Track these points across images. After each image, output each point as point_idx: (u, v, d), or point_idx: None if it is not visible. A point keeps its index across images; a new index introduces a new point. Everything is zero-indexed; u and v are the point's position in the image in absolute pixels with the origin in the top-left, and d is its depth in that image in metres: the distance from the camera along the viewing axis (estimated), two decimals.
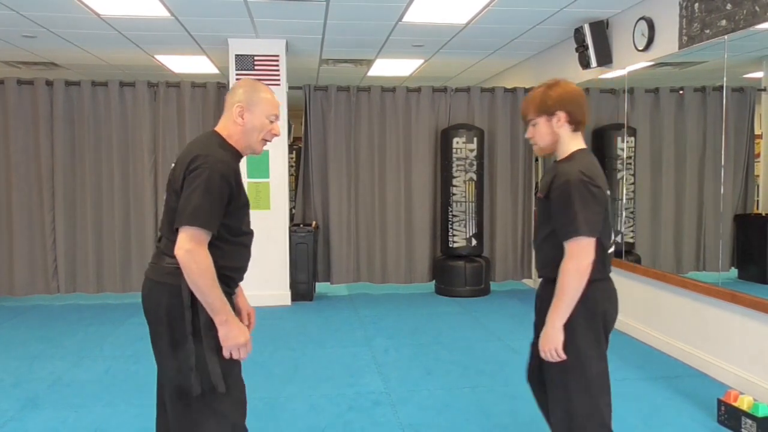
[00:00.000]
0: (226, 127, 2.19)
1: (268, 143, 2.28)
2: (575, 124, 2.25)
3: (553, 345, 2.17)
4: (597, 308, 2.22)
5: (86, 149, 6.39)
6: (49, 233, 6.33)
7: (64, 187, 6.36)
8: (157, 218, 6.49)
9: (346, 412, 3.59)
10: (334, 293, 7.02)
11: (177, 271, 2.00)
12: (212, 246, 2.03)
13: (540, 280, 2.39)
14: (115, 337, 5.23)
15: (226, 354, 2.06)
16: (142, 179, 6.44)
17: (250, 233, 2.26)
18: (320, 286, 7.02)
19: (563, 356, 2.18)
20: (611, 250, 2.29)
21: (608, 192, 2.24)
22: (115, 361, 4.55)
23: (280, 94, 6.25)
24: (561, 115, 2.23)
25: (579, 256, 2.11)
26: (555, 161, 2.32)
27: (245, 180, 6.26)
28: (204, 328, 2.04)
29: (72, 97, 6.38)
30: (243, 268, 2.24)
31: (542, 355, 2.23)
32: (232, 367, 2.15)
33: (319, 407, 3.67)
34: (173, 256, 1.99)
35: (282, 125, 6.28)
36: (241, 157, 2.23)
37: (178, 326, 2.04)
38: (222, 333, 2.03)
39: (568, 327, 2.18)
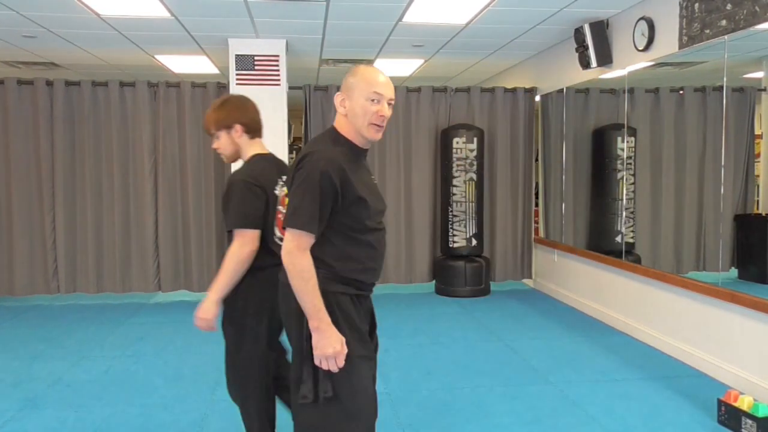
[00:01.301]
0: (338, 119, 2.12)
1: (375, 130, 2.08)
2: (251, 132, 2.65)
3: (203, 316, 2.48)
4: (261, 295, 2.51)
5: (86, 149, 6.39)
6: (49, 233, 6.33)
7: (64, 187, 6.36)
8: (157, 218, 6.49)
9: None
10: None
11: None
12: (331, 246, 2.01)
13: None
14: (115, 337, 5.23)
15: (316, 362, 1.98)
16: (142, 179, 6.44)
17: (376, 230, 2.12)
18: None
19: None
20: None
21: (276, 191, 2.54)
22: (115, 361, 4.55)
23: (280, 94, 6.26)
24: (238, 128, 2.62)
25: (241, 245, 2.46)
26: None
27: None
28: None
29: (72, 97, 6.38)
30: (370, 269, 2.11)
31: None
32: (349, 375, 2.02)
33: None
34: None
35: (282, 125, 6.29)
36: (361, 149, 2.12)
37: (301, 329, 2.05)
38: (314, 340, 1.97)
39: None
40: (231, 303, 2.56)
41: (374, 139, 2.08)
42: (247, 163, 2.64)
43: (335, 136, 2.09)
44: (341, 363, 1.96)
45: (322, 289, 1.97)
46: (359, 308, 2.10)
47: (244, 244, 2.46)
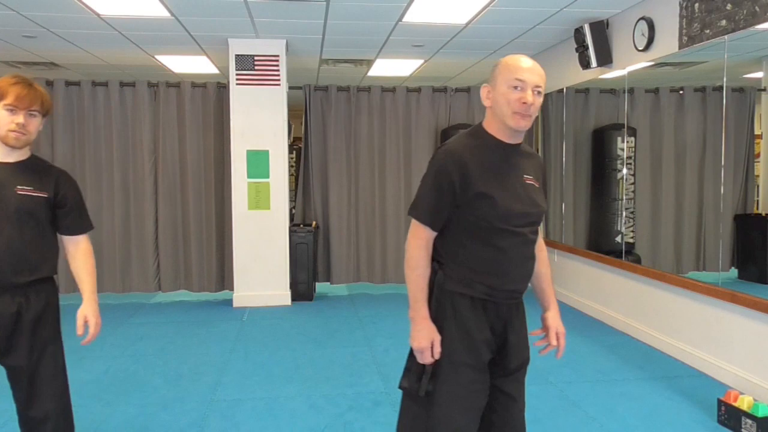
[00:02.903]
0: (486, 115, 2.05)
1: (520, 118, 1.93)
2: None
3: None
4: None
5: (86, 149, 6.39)
6: None
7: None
8: (157, 218, 6.49)
9: (346, 412, 3.59)
10: (334, 293, 7.02)
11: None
12: (455, 243, 1.98)
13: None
14: (115, 337, 5.23)
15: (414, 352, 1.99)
16: (142, 179, 6.44)
17: (508, 233, 1.94)
18: (320, 286, 7.02)
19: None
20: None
21: None
22: (115, 361, 4.55)
23: (280, 94, 6.26)
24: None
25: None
26: None
27: (245, 180, 6.27)
28: None
29: (72, 97, 6.38)
30: (497, 274, 1.95)
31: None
32: (446, 379, 1.95)
33: (319, 407, 3.67)
34: None
35: (282, 125, 6.29)
36: (507, 144, 2.00)
37: None
38: (411, 331, 1.98)
39: None
40: None
41: (519, 128, 1.95)
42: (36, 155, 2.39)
43: (475, 130, 2.05)
44: (428, 360, 1.93)
45: (440, 286, 1.97)
46: (482, 314, 1.97)
47: None
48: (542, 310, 2.20)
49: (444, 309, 1.96)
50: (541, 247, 2.19)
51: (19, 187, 2.24)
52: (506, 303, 2.01)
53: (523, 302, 2.11)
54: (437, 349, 1.94)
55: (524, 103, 1.91)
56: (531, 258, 2.05)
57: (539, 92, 1.95)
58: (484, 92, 2.02)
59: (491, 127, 2.01)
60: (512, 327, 2.04)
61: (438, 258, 2.00)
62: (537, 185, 2.04)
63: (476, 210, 1.92)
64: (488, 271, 1.95)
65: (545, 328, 2.18)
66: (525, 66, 1.94)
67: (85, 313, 2.40)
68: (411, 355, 1.99)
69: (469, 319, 1.95)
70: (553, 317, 2.16)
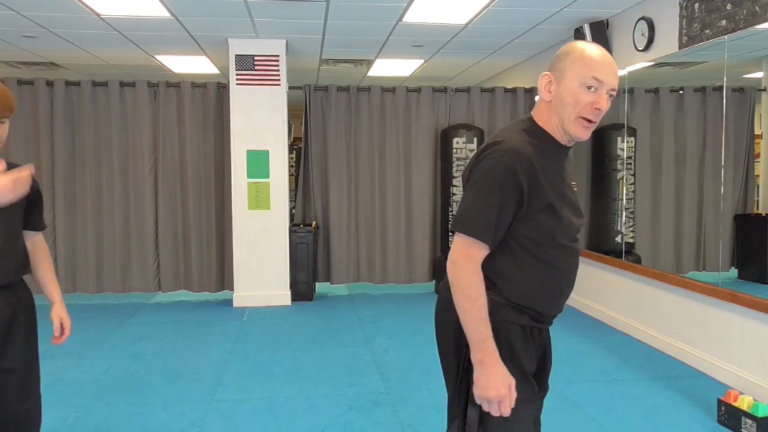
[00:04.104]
0: (539, 107, 1.72)
1: (583, 127, 1.64)
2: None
3: None
4: None
5: (86, 149, 6.39)
6: (49, 233, 6.32)
7: (64, 187, 6.36)
8: (157, 218, 6.49)
9: (346, 412, 3.59)
10: (334, 293, 7.02)
11: None
12: (507, 263, 1.66)
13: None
14: (115, 337, 5.23)
15: (477, 400, 1.64)
16: (142, 179, 6.44)
17: (567, 249, 1.69)
18: (320, 286, 7.02)
19: None
20: None
21: None
22: (115, 361, 4.55)
23: (280, 94, 6.26)
24: None
25: None
26: None
27: (245, 180, 6.27)
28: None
29: (72, 97, 6.37)
30: (553, 297, 1.71)
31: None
32: (506, 420, 1.65)
33: (319, 407, 3.67)
34: None
35: (282, 125, 6.29)
36: (562, 145, 1.71)
37: (459, 356, 1.72)
38: (475, 376, 1.62)
39: None
40: None
41: (580, 137, 1.65)
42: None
43: (530, 126, 1.69)
44: (506, 411, 1.60)
45: (489, 315, 1.61)
46: (530, 342, 1.72)
47: None
48: None
49: (500, 343, 1.63)
50: None
51: None
52: (547, 327, 1.79)
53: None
54: (514, 395, 1.62)
55: (597, 108, 1.61)
56: (576, 274, 1.79)
57: (612, 96, 1.65)
58: (543, 81, 1.67)
59: (548, 124, 1.68)
60: (550, 351, 1.85)
61: (484, 281, 1.65)
62: (576, 188, 1.82)
63: (541, 224, 1.63)
64: (544, 294, 1.69)
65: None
66: (605, 62, 1.61)
67: (61, 314, 2.36)
68: (455, 399, 1.73)
69: (521, 351, 1.69)
70: None
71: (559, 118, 1.66)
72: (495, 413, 1.61)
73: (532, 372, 1.75)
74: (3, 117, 2.19)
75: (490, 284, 1.66)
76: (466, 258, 1.60)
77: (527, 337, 1.71)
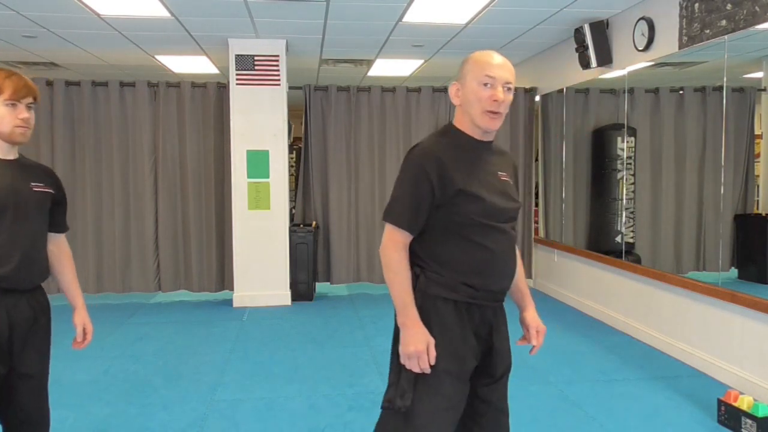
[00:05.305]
0: (456, 113, 2.01)
1: (490, 118, 1.89)
2: None
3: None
4: None
5: (86, 149, 6.39)
6: None
7: (64, 186, 6.33)
8: (157, 218, 6.49)
9: (346, 412, 3.58)
10: (334, 293, 7.02)
11: None
12: (436, 244, 1.89)
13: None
14: (115, 337, 5.23)
15: (402, 361, 1.85)
16: (142, 179, 6.44)
17: (491, 228, 1.90)
18: (320, 286, 7.02)
19: None
20: None
21: None
22: (115, 361, 4.55)
23: (280, 94, 6.26)
24: None
25: None
26: None
27: (245, 180, 6.27)
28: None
29: (72, 97, 6.37)
30: (482, 273, 1.89)
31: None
32: (429, 389, 1.84)
33: (319, 407, 3.67)
34: None
35: (282, 125, 6.29)
36: (478, 141, 1.96)
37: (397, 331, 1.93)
38: (400, 337, 1.86)
39: None
40: None
41: (490, 128, 1.91)
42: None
43: (446, 128, 2.00)
44: (425, 365, 1.81)
45: (422, 291, 1.87)
46: (467, 319, 1.89)
47: None
48: (520, 310, 2.13)
49: (427, 315, 1.86)
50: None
51: (32, 183, 2.16)
52: (491, 305, 1.94)
53: (504, 307, 2.04)
54: (432, 353, 1.82)
55: (495, 100, 1.86)
56: (514, 255, 1.99)
57: (509, 89, 1.90)
58: (452, 90, 1.95)
59: (463, 125, 1.96)
60: (498, 332, 1.98)
61: (418, 262, 1.91)
62: (511, 182, 2.03)
63: (459, 208, 1.86)
64: (473, 270, 1.87)
65: (525, 327, 2.10)
66: (496, 62, 1.88)
67: (84, 320, 2.39)
68: (396, 368, 1.88)
69: (453, 325, 1.87)
70: (532, 316, 2.09)
71: (469, 116, 1.92)
72: (416, 369, 1.81)
73: (469, 348, 1.89)
74: (28, 102, 2.11)
75: (425, 264, 1.90)
76: (391, 242, 1.87)
77: (461, 312, 1.88)
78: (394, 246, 1.87)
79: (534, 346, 2.09)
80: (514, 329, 2.10)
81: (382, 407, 1.89)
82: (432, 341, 1.83)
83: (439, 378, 1.84)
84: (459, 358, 1.87)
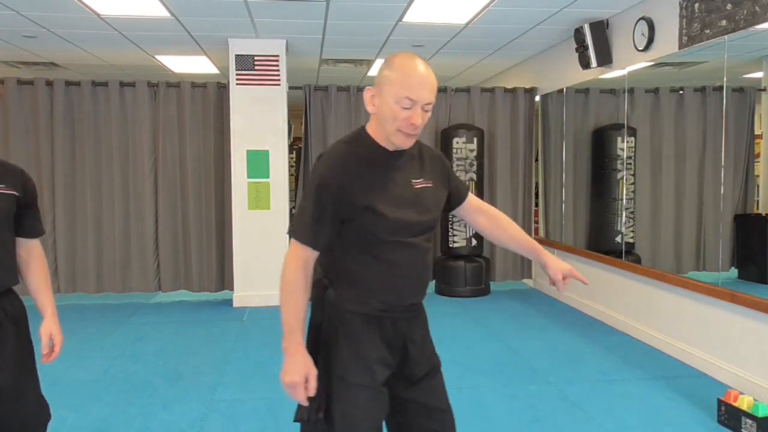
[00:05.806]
0: (370, 117, 1.85)
1: (405, 137, 1.77)
2: None
3: None
4: None
5: (86, 149, 6.39)
6: (49, 233, 6.32)
7: (64, 187, 6.36)
8: (157, 218, 6.49)
9: None
10: None
11: (317, 283, 1.84)
12: (345, 259, 1.81)
13: None
14: (115, 337, 5.23)
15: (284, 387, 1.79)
16: (142, 179, 6.44)
17: (398, 244, 1.80)
18: None
19: None
20: None
21: None
22: (115, 361, 4.55)
23: (280, 94, 6.26)
24: None
25: None
26: None
27: (245, 180, 6.27)
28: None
29: (72, 97, 6.37)
30: (391, 289, 1.81)
31: None
32: (341, 402, 1.79)
33: None
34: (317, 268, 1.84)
35: (282, 125, 6.29)
36: (391, 152, 1.82)
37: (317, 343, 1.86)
38: (283, 363, 1.78)
39: None
40: None
41: (403, 146, 1.80)
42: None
43: (358, 134, 1.85)
44: (301, 397, 1.76)
45: (331, 304, 1.81)
46: (377, 331, 1.82)
47: None
48: (541, 264, 2.05)
49: (335, 328, 1.79)
50: (493, 212, 2.19)
51: None
52: (404, 317, 1.87)
53: (423, 310, 1.98)
54: (312, 385, 1.75)
55: (412, 123, 1.73)
56: (427, 268, 1.90)
57: (428, 109, 1.76)
58: (367, 96, 1.79)
59: (375, 134, 1.81)
60: (412, 341, 1.89)
61: (328, 276, 1.84)
62: (431, 185, 1.89)
63: (365, 224, 1.75)
64: (383, 288, 1.80)
65: (550, 281, 2.01)
66: (417, 80, 1.72)
67: (50, 330, 2.18)
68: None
69: (362, 337, 1.80)
70: (553, 264, 1.99)
71: (382, 129, 1.78)
72: (293, 398, 1.77)
73: (379, 360, 1.82)
74: None
75: (336, 279, 1.82)
76: (294, 258, 1.77)
77: (371, 326, 1.81)
78: (295, 263, 1.77)
79: (569, 282, 2.01)
80: (436, 326, 2.07)
81: (295, 420, 1.85)
82: (313, 372, 1.76)
83: (351, 390, 1.79)
84: (369, 369, 1.80)
